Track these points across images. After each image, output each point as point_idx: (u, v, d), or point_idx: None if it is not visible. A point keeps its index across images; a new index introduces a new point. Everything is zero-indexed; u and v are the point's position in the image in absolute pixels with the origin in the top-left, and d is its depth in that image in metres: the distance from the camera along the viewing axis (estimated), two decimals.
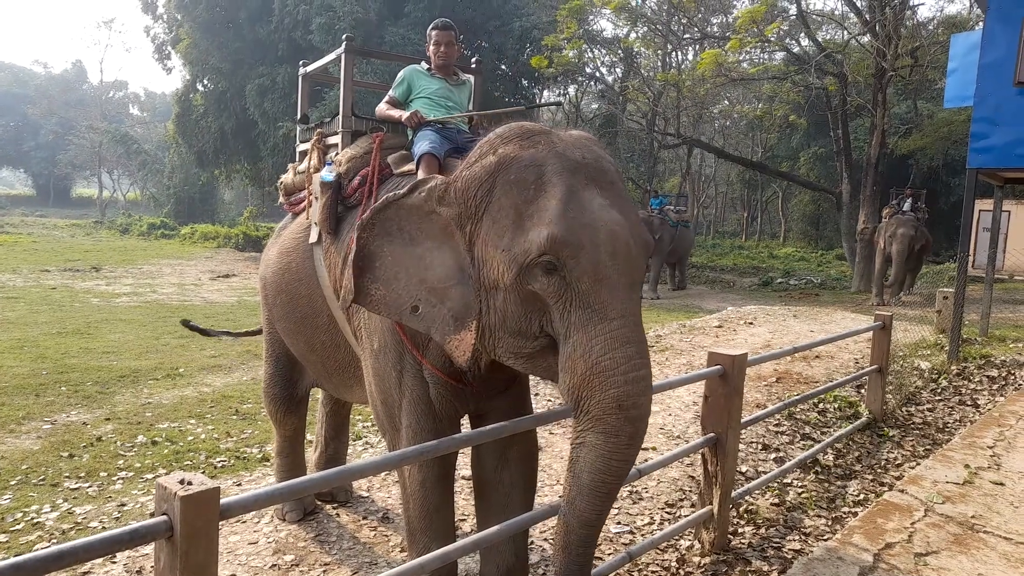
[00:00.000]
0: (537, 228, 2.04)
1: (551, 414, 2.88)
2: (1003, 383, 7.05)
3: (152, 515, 1.59)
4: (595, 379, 1.99)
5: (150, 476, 4.60)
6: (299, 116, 3.82)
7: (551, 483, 4.35)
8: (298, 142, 3.79)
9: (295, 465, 4.03)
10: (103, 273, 17.15)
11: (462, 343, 2.20)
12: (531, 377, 2.88)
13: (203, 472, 4.55)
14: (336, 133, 3.30)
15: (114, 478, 4.56)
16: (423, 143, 2.81)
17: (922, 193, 15.45)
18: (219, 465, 4.81)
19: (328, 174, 3.03)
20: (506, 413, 2.68)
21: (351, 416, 5.57)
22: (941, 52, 15.63)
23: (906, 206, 14.31)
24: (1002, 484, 3.95)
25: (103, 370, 7.34)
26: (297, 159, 3.70)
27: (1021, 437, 4.81)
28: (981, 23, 7.99)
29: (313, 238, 3.14)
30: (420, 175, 2.66)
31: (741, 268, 23.26)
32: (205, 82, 26.14)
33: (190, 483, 1.58)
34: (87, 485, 4.44)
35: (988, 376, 7.32)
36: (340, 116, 3.27)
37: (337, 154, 3.17)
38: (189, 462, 4.87)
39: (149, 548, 2.99)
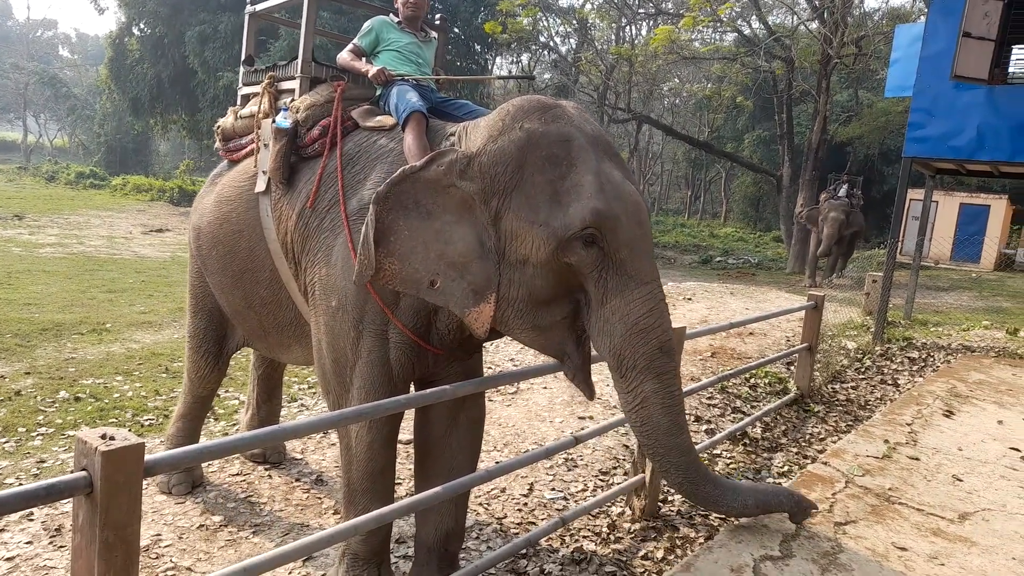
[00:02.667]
0: (578, 203, 2.14)
1: (509, 375, 2.88)
2: (922, 364, 7.39)
3: (72, 471, 1.52)
4: (636, 336, 2.19)
5: (72, 433, 4.42)
6: (244, 57, 3.58)
7: (488, 449, 4.37)
8: (241, 85, 3.54)
9: (193, 432, 3.82)
10: (26, 222, 16.31)
11: (481, 315, 2.25)
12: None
13: (130, 430, 4.41)
14: (291, 78, 3.11)
15: (33, 434, 4.37)
16: (408, 99, 2.68)
17: (858, 180, 15.96)
18: (146, 423, 4.66)
19: (284, 120, 2.88)
20: (460, 379, 2.66)
21: (288, 379, 5.48)
22: (885, 43, 16.07)
23: (841, 191, 14.75)
24: (917, 459, 4.15)
25: (23, 322, 6.99)
26: (239, 102, 3.49)
27: (937, 416, 5.06)
28: (924, 16, 8.19)
29: (260, 187, 2.97)
30: (408, 135, 2.56)
31: (683, 246, 23.68)
32: (141, 26, 24.80)
33: (112, 438, 1.51)
34: (3, 440, 4.25)
35: (909, 357, 7.67)
36: (299, 61, 3.06)
37: (293, 100, 3.01)
38: (115, 419, 4.70)
39: (69, 506, 2.89)
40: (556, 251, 2.16)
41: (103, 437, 1.51)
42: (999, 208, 20.78)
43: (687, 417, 2.50)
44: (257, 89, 3.25)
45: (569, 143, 2.21)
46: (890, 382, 6.68)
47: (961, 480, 3.88)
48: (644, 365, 2.21)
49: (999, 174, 9.72)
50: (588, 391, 2.39)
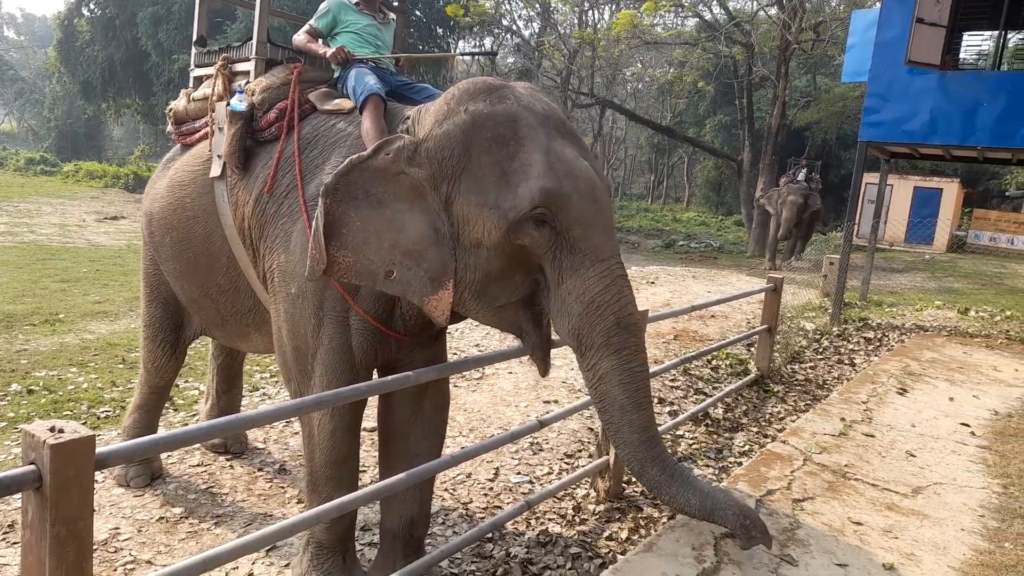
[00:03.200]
0: (526, 183, 2.09)
1: (473, 360, 2.88)
2: (878, 344, 7.58)
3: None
4: (593, 314, 2.14)
5: (25, 427, 4.29)
6: (195, 38, 3.47)
7: (453, 435, 4.37)
8: (194, 66, 3.42)
9: (151, 424, 3.73)
10: None
11: (440, 302, 2.22)
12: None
13: (85, 423, 4.31)
14: (246, 60, 3.02)
15: None
16: (366, 82, 2.63)
17: (816, 164, 16.25)
18: (103, 415, 4.56)
19: (239, 103, 2.80)
20: (424, 365, 2.64)
21: (249, 367, 5.40)
22: (842, 28, 16.30)
23: (800, 176, 15.01)
24: (873, 436, 4.26)
25: None
26: (192, 85, 3.39)
27: (891, 394, 5.20)
28: (880, 2, 8.33)
29: (215, 172, 2.89)
30: (366, 119, 2.51)
31: (646, 230, 23.89)
32: (92, 6, 24.05)
33: (61, 431, 1.47)
34: None
35: (865, 337, 7.86)
36: (254, 42, 2.97)
37: (248, 83, 2.93)
38: (69, 412, 4.59)
39: (21, 501, 2.81)
40: (507, 233, 2.12)
41: (52, 430, 1.47)
42: (951, 191, 21.34)
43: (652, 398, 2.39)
44: (210, 71, 3.16)
45: (516, 123, 2.17)
46: (847, 362, 6.84)
47: (914, 456, 4.00)
48: (601, 342, 2.16)
49: (951, 158, 9.98)
50: (543, 367, 2.35)
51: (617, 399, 2.20)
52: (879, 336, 7.91)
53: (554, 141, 2.18)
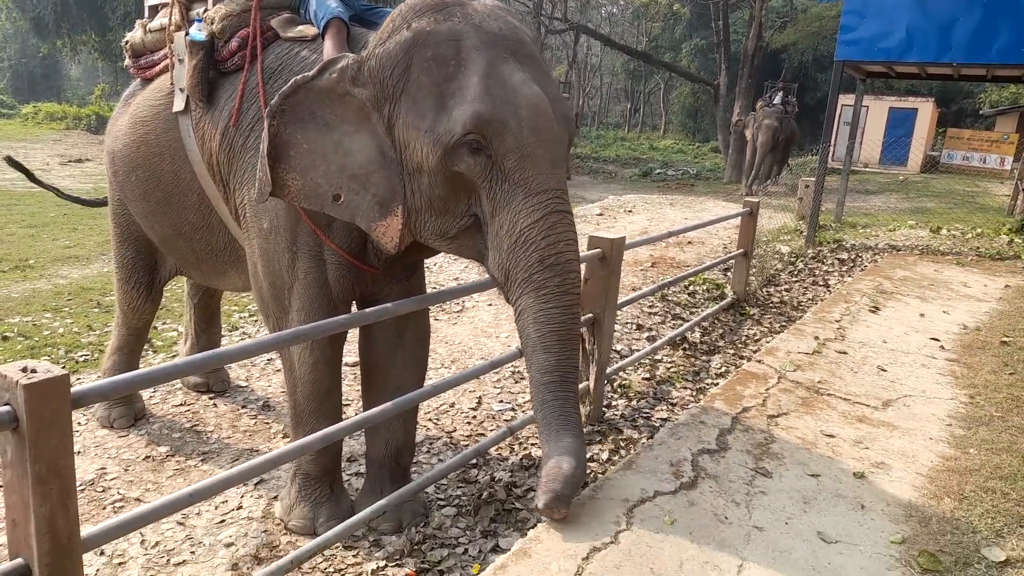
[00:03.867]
0: (460, 107, 1.99)
1: (450, 291, 2.88)
2: (852, 265, 7.69)
3: None
4: (519, 249, 2.04)
5: None
6: None
7: (435, 367, 4.41)
8: None
9: (130, 365, 3.68)
10: None
11: (389, 229, 2.16)
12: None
13: (64, 367, 4.28)
14: None
15: None
16: (328, 4, 2.51)
17: (793, 87, 16.09)
18: (81, 359, 4.53)
19: (198, 33, 2.67)
20: (401, 298, 2.62)
21: (228, 307, 5.37)
22: None
23: (776, 99, 14.89)
24: (845, 353, 4.36)
25: None
26: (147, 15, 3.23)
27: (864, 312, 5.30)
28: None
29: (178, 106, 2.78)
30: (328, 43, 2.41)
31: (623, 159, 23.73)
32: None
33: (34, 371, 1.45)
34: None
35: (839, 259, 7.96)
36: None
37: (206, 10, 2.80)
38: (47, 357, 4.55)
39: None
40: (443, 160, 2.03)
41: (24, 370, 1.45)
42: (926, 111, 21.33)
43: (576, 334, 2.11)
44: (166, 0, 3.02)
45: (459, 42, 2.04)
46: (821, 283, 6.94)
47: (885, 370, 4.11)
48: (523, 278, 2.06)
49: (926, 76, 9.94)
50: (506, 294, 2.21)
51: (529, 337, 2.09)
52: (853, 257, 8.01)
53: (502, 64, 2.04)
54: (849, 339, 4.65)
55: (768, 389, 3.72)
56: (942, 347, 4.58)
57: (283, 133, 2.15)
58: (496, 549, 2.64)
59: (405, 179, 2.13)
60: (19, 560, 1.52)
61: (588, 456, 3.35)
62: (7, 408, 1.43)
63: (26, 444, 1.43)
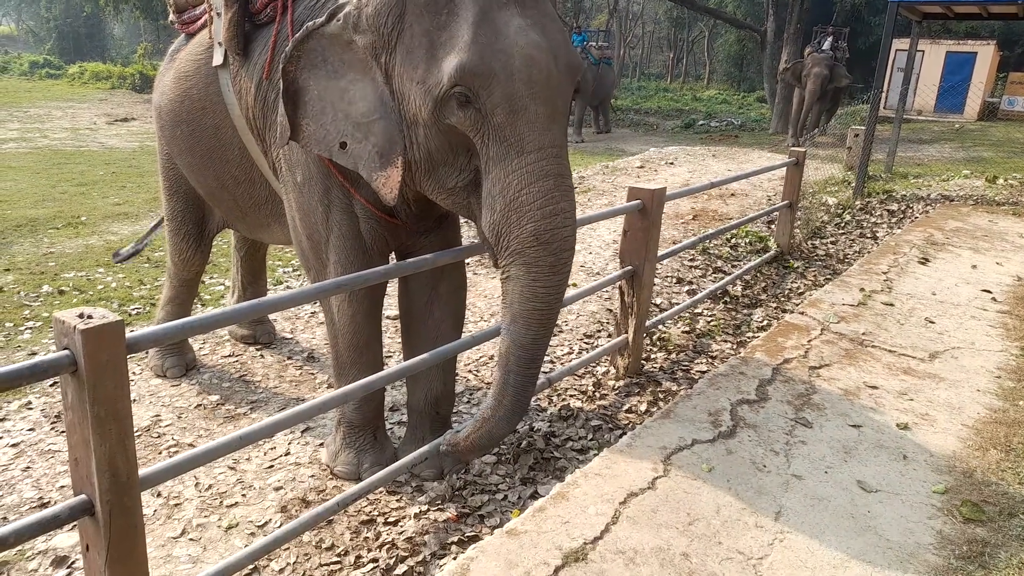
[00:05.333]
0: (448, 58, 1.91)
1: (478, 246, 2.88)
2: (901, 216, 7.46)
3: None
4: (512, 214, 1.94)
5: (56, 314, 4.43)
6: None
7: (475, 320, 4.45)
8: None
9: (182, 316, 3.73)
10: None
11: (389, 180, 2.13)
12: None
13: None
14: None
15: (21, 328, 4.39)
16: None
17: (844, 32, 15.41)
18: (134, 312, 4.69)
19: None
20: (436, 249, 2.64)
21: (271, 262, 5.48)
22: None
23: (826, 45, 14.29)
24: (892, 304, 4.28)
25: None
26: None
27: (913, 264, 5.17)
28: None
29: (217, 60, 2.81)
30: None
31: (665, 111, 23.19)
32: None
33: (90, 316, 1.51)
34: None
35: (888, 210, 7.73)
36: None
37: None
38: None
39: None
40: (434, 112, 1.97)
41: (81, 316, 1.51)
42: (986, 55, 20.28)
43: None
44: None
45: None
46: (869, 235, 6.77)
47: (933, 322, 4.02)
48: (516, 249, 1.97)
49: (988, 16, 9.41)
50: (494, 257, 2.10)
51: (513, 306, 2.02)
52: (903, 208, 7.77)
53: (500, 10, 1.92)
54: (896, 291, 4.55)
55: (810, 340, 3.67)
56: (994, 299, 4.45)
57: (299, 79, 2.18)
58: (535, 495, 2.69)
59: (404, 130, 2.10)
60: (82, 496, 1.60)
61: (626, 408, 3.38)
62: (66, 352, 1.50)
63: (85, 387, 1.50)
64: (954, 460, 2.58)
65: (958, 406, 3.02)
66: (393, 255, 2.80)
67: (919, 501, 2.32)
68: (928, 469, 2.51)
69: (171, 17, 3.32)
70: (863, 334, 3.80)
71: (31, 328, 4.39)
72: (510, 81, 1.88)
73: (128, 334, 1.58)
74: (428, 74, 1.95)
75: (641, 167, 10.31)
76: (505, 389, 2.07)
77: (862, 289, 4.53)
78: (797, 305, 4.66)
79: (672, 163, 10.67)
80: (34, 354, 4.02)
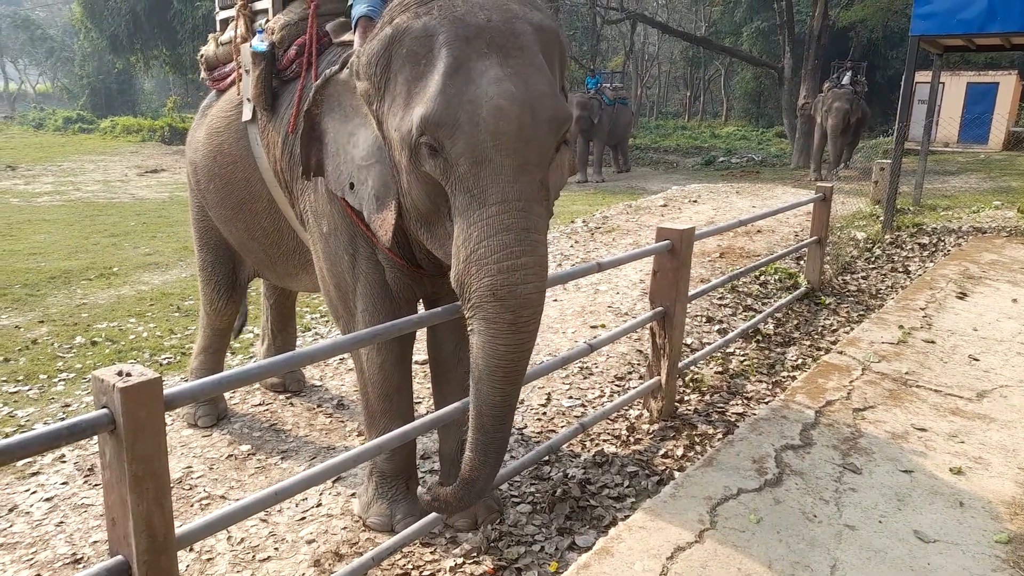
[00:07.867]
0: (416, 107, 1.89)
1: None
2: (933, 249, 7.33)
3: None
4: (472, 267, 1.86)
5: (94, 373, 4.46)
6: None
7: None
8: (218, 8, 3.40)
9: (216, 365, 3.82)
10: (20, 172, 16.11)
11: (384, 223, 2.15)
12: None
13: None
14: None
15: (55, 380, 4.42)
16: (360, 5, 2.56)
17: (862, 66, 15.43)
18: (165, 362, 4.71)
19: (260, 44, 2.76)
20: None
21: (300, 309, 5.50)
22: None
23: (845, 79, 14.31)
24: (933, 342, 4.16)
25: (31, 272, 6.99)
26: (219, 28, 3.35)
27: (951, 299, 5.05)
28: None
29: (246, 116, 2.89)
30: (356, 41, 2.45)
31: (684, 148, 23.28)
32: None
33: (129, 374, 1.50)
34: (27, 388, 4.30)
35: (920, 243, 7.60)
36: None
37: (267, 21, 2.88)
38: (134, 360, 4.75)
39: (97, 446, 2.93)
40: (411, 159, 1.96)
41: (119, 374, 1.50)
42: (1008, 85, 20.18)
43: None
44: (234, 12, 3.11)
45: (431, 38, 1.89)
46: (901, 269, 6.65)
47: (977, 359, 3.90)
48: (475, 303, 1.88)
49: (1011, 47, 9.38)
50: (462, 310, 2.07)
51: (477, 363, 1.92)
52: (935, 241, 7.64)
53: (476, 60, 1.86)
54: (936, 327, 4.43)
55: (852, 381, 3.57)
56: None
57: (321, 122, 2.27)
58: (573, 547, 2.61)
59: (396, 176, 2.12)
60: (119, 557, 1.57)
61: (662, 453, 3.29)
62: (105, 411, 1.48)
63: (123, 445, 1.48)
64: (1014, 507, 2.46)
65: (1012, 448, 2.90)
66: (421, 302, 2.78)
67: (981, 552, 2.21)
68: (987, 517, 2.40)
69: (202, 75, 3.42)
70: (906, 373, 3.69)
71: (64, 380, 4.42)
72: (475, 131, 1.82)
73: (166, 391, 1.56)
74: (402, 122, 1.97)
75: (664, 205, 10.29)
76: (487, 449, 1.98)
77: (901, 326, 4.42)
78: (833, 344, 4.56)
79: (695, 201, 10.65)
80: (67, 406, 4.03)
